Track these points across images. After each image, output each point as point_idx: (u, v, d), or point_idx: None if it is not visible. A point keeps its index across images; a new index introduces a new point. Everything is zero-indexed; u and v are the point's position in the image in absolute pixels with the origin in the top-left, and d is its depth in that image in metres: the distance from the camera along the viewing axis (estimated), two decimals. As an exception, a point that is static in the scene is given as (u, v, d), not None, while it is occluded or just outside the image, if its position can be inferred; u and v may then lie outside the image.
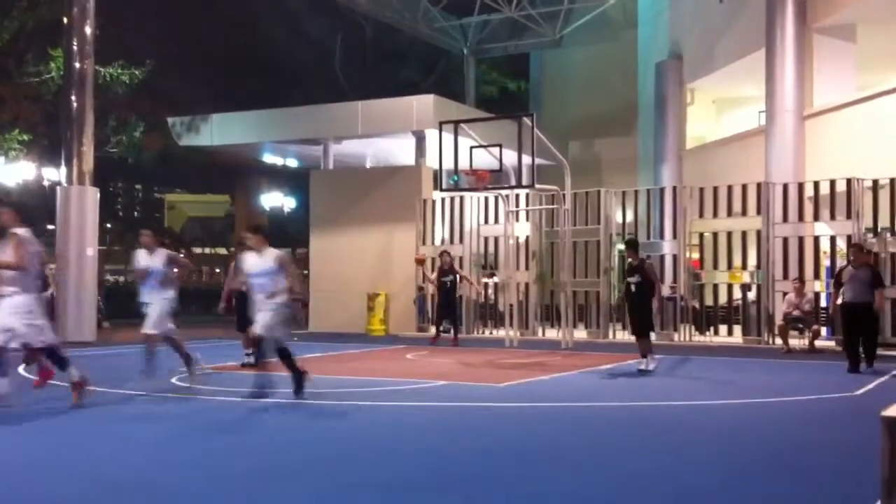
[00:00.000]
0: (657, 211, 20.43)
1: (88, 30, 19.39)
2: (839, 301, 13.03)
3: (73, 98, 19.27)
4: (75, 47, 19.29)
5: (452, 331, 18.18)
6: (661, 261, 19.67)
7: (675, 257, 19.59)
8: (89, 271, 18.96)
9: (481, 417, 8.93)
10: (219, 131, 25.40)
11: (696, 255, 20.08)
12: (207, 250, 52.50)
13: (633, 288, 12.58)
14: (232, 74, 31.42)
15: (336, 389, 10.68)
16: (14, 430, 8.14)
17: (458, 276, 18.26)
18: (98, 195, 19.49)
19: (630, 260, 12.89)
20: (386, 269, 22.12)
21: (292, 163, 29.15)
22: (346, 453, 6.97)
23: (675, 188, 20.61)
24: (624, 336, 19.90)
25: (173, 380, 11.59)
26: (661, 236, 19.90)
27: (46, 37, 22.65)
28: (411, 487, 5.79)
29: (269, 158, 28.69)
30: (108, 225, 20.26)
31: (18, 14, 23.14)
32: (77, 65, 19.33)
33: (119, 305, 24.56)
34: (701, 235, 19.84)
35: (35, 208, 25.40)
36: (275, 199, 34.11)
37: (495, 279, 20.99)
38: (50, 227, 22.29)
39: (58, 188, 19.49)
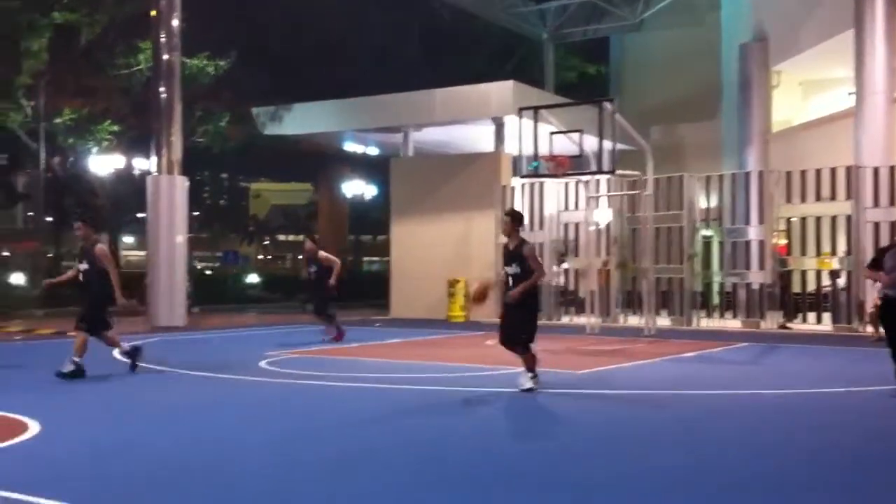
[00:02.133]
0: (742, 196, 20.05)
1: (175, 22, 19.87)
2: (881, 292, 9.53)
3: (162, 90, 19.79)
4: (163, 40, 19.80)
5: (331, 325, 15.25)
6: (746, 247, 19.34)
7: (761, 243, 19.21)
8: (179, 258, 19.50)
9: (563, 405, 8.94)
10: (301, 120, 25.83)
11: (782, 241, 19.66)
12: (291, 237, 53.57)
13: (510, 281, 9.08)
14: (312, 64, 31.83)
15: (420, 375, 10.81)
16: (106, 413, 8.48)
17: (322, 265, 14.96)
18: (187, 184, 19.98)
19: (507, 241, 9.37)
20: (466, 256, 22.21)
21: (373, 151, 29.44)
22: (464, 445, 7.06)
23: (760, 173, 20.20)
24: (709, 323, 19.63)
25: (262, 363, 11.88)
26: (747, 222, 19.53)
27: (135, 30, 23.26)
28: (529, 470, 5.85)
29: (350, 146, 29.02)
30: (197, 213, 20.83)
31: (108, 8, 23.81)
32: (165, 57, 19.84)
33: (207, 292, 25.22)
34: (788, 221, 19.41)
35: (127, 197, 26.21)
36: (356, 187, 34.49)
37: (565, 265, 20.89)
38: (141, 215, 22.96)
39: (148, 177, 20.06)
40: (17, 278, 25.07)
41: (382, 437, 7.09)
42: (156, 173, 19.81)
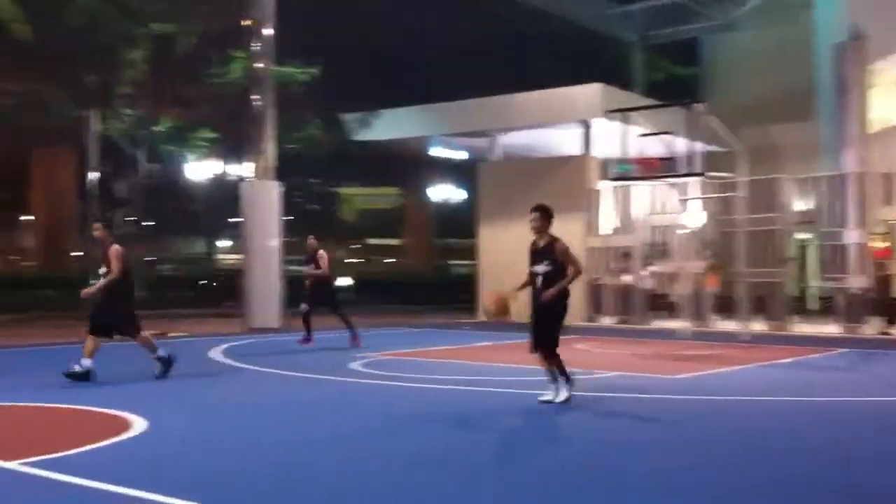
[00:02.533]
0: (839, 198, 19.49)
1: (268, 32, 20.37)
2: None
3: (255, 97, 20.31)
4: (256, 49, 20.32)
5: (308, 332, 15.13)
6: (843, 250, 18.80)
7: (859, 247, 18.65)
8: (273, 262, 19.95)
9: (663, 410, 8.86)
10: (389, 126, 26.15)
11: (881, 245, 19.05)
12: (379, 241, 54.31)
13: (539, 281, 8.52)
14: (400, 69, 32.21)
15: (509, 378, 10.85)
16: (206, 410, 8.77)
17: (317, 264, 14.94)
18: (280, 189, 20.44)
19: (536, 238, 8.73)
20: (554, 260, 22.12)
21: (460, 155, 29.60)
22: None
23: (858, 174, 19.61)
24: (806, 329, 19.15)
25: (354, 365, 12.09)
26: (844, 225, 18.98)
27: (229, 40, 23.94)
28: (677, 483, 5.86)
29: (437, 151, 29.25)
30: (290, 218, 21.37)
31: (202, 19, 24.56)
32: (258, 65, 20.35)
33: (299, 294, 25.65)
34: (887, 224, 18.80)
35: (222, 202, 26.96)
36: (442, 191, 34.74)
37: (654, 269, 20.64)
38: (236, 219, 23.59)
39: (242, 183, 20.59)
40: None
41: (476, 436, 7.16)
42: (250, 179, 20.31)
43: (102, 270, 10.44)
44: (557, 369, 8.66)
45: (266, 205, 19.99)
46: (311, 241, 15.14)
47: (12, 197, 42.49)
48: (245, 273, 20.05)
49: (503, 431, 7.50)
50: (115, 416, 7.80)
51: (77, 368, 10.12)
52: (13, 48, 21.82)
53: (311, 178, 41.45)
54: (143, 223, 29.52)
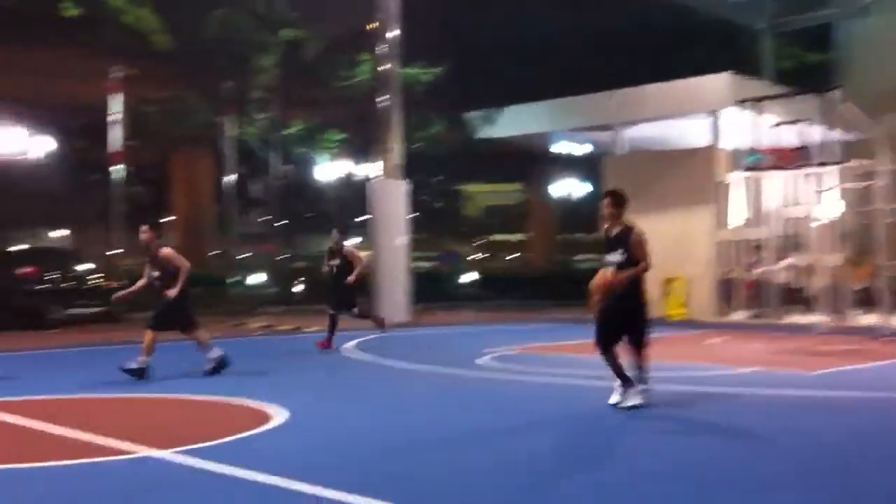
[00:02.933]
0: None
1: (393, 34, 20.76)
2: None
3: (382, 99, 20.74)
4: (382, 51, 20.74)
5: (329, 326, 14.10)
6: None
7: None
8: (401, 259, 20.34)
9: (805, 406, 8.63)
10: (511, 122, 26.18)
11: None
12: (502, 237, 54.56)
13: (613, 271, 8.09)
14: (524, 64, 32.20)
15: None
16: (341, 402, 9.06)
17: (346, 259, 14.00)
18: (407, 188, 20.79)
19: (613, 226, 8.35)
20: (683, 253, 21.70)
21: (584, 149, 29.37)
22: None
23: None
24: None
25: (483, 359, 12.22)
26: None
27: (356, 43, 24.51)
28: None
29: (560, 146, 29.11)
30: (416, 215, 21.88)
31: (331, 22, 25.23)
32: (384, 67, 20.77)
33: (426, 290, 26.13)
34: None
35: (351, 201, 27.64)
36: (565, 187, 34.56)
37: (789, 261, 19.95)
38: (364, 218, 24.14)
39: (370, 182, 21.06)
40: (258, 278, 27.00)
41: (606, 432, 7.16)
42: (377, 178, 20.75)
43: (156, 274, 10.56)
44: (638, 365, 8.01)
45: (393, 203, 20.38)
46: (335, 236, 14.07)
47: (155, 199, 44.73)
48: (374, 270, 20.52)
49: (640, 427, 7.46)
50: (257, 408, 8.16)
51: (134, 365, 10.38)
52: (154, 58, 23.00)
53: (435, 176, 42.03)
54: (277, 223, 30.55)
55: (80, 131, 38.45)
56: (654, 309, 8.33)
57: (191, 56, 23.10)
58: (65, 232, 54.46)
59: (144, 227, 10.68)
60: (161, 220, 12.19)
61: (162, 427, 7.58)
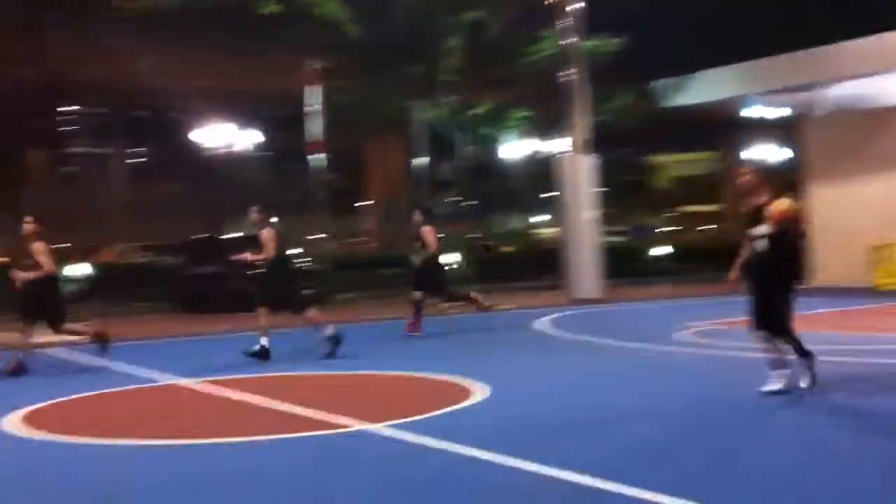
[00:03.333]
0: None
1: (576, 6, 20.54)
2: None
3: (567, 73, 20.60)
4: (566, 25, 20.58)
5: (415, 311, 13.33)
6: None
7: None
8: (591, 234, 20.21)
9: None
10: (701, 89, 25.25)
11: None
12: (695, 208, 53.00)
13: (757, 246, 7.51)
14: (712, 28, 31.06)
15: (858, 347, 10.26)
16: (539, 378, 9.17)
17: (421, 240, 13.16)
18: (595, 162, 20.60)
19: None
20: (893, 218, 20.35)
21: (780, 112, 27.99)
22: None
23: None
24: None
25: (682, 334, 12.00)
26: None
27: (539, 18, 24.40)
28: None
29: (753, 111, 27.87)
30: (605, 189, 21.63)
31: (513, 1, 25.26)
32: (568, 41, 20.61)
33: (618, 265, 25.87)
34: None
35: (538, 178, 27.71)
36: (760, 153, 33.08)
37: None
38: (551, 194, 24.14)
39: (557, 158, 21.02)
40: (451, 257, 27.60)
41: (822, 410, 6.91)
42: (565, 153, 20.68)
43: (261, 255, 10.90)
44: (782, 351, 7.37)
45: (581, 178, 20.25)
46: (417, 216, 13.40)
47: (351, 184, 46.65)
48: (564, 246, 20.51)
49: (864, 406, 7.14)
50: (459, 384, 8.42)
51: (257, 348, 10.75)
52: (347, 49, 23.90)
53: (624, 149, 41.39)
54: (466, 203, 31.10)
55: (283, 123, 40.65)
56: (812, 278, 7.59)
57: (380, 44, 23.85)
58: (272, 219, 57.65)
59: (254, 209, 11.15)
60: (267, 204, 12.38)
61: (373, 402, 7.97)
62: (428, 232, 12.95)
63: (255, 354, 10.69)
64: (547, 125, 26.24)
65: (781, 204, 7.23)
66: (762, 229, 7.24)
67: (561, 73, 20.74)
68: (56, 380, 9.96)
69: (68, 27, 22.19)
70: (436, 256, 13.03)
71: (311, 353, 11.01)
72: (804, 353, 7.35)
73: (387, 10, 23.37)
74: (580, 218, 20.15)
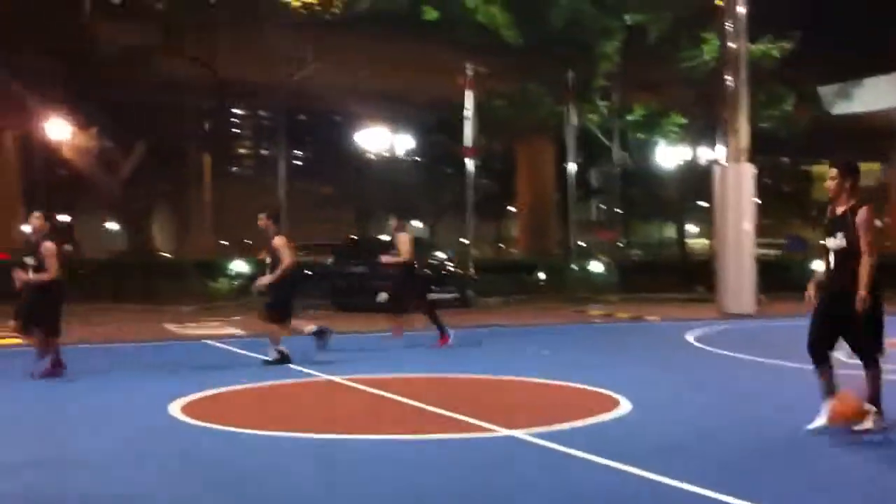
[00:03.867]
0: None
1: (741, 10, 19.88)
2: None
3: (728, 78, 19.95)
4: (729, 28, 19.95)
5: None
6: None
7: None
8: (746, 246, 19.50)
9: None
10: (870, 96, 24.07)
11: None
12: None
13: (832, 261, 6.70)
14: (884, 32, 29.43)
15: None
16: (691, 395, 8.91)
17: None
18: (754, 171, 19.86)
19: None
20: None
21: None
22: None
23: None
24: None
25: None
26: None
27: (700, 22, 23.81)
28: None
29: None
30: (760, 200, 20.85)
31: (674, 4, 24.74)
32: (731, 45, 19.97)
33: (772, 278, 24.89)
34: None
35: (691, 186, 27.01)
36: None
37: None
38: (704, 204, 23.50)
39: (714, 166, 20.40)
40: (596, 266, 27.33)
41: None
42: (722, 162, 20.05)
43: (269, 261, 10.69)
44: (870, 391, 6.48)
45: (739, 188, 19.56)
46: (393, 222, 13.33)
47: (500, 189, 46.81)
48: (717, 258, 19.88)
49: None
50: (602, 394, 8.30)
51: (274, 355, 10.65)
52: (503, 53, 24.02)
53: (783, 157, 39.75)
54: (615, 210, 30.68)
55: (436, 126, 41.31)
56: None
57: (536, 48, 23.85)
58: (419, 223, 58.74)
59: (262, 215, 10.90)
60: (274, 209, 12.30)
61: (515, 408, 7.97)
62: (403, 239, 12.59)
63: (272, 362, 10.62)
64: (703, 132, 25.53)
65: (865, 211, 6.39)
66: (834, 241, 6.46)
67: (722, 78, 20.12)
68: (215, 371, 10.45)
69: (238, 31, 23.28)
70: (411, 264, 12.54)
71: (453, 356, 11.13)
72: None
73: (544, 15, 23.34)
74: (736, 229, 19.48)
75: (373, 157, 34.96)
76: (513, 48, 22.03)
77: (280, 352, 10.64)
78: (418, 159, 49.85)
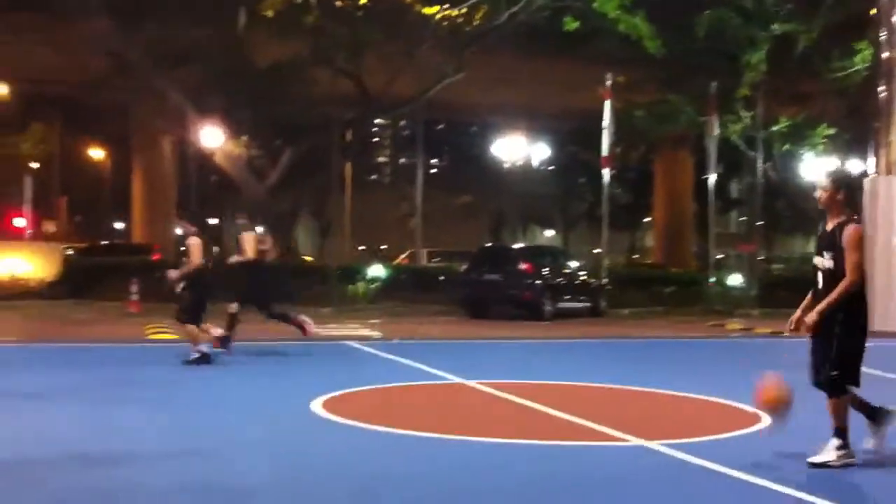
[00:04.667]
0: None
1: (896, 18, 19.03)
2: None
3: (881, 88, 19.12)
4: (883, 37, 19.12)
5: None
6: None
7: None
8: (896, 261, 18.64)
9: None
10: None
11: None
12: None
13: (820, 280, 6.23)
14: None
15: None
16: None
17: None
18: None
19: None
20: None
21: None
22: None
23: None
24: None
25: None
26: None
27: (852, 31, 22.93)
28: None
29: None
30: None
31: (825, 13, 23.90)
32: (885, 55, 19.13)
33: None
34: None
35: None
36: None
37: None
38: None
39: (865, 179, 19.60)
40: (735, 279, 26.60)
41: None
42: (874, 174, 19.24)
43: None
44: (834, 421, 6.07)
45: (890, 201, 18.71)
46: (239, 220, 12.55)
47: (635, 199, 46.23)
48: (869, 273, 19.02)
49: None
50: (736, 409, 8.13)
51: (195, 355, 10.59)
52: (642, 63, 23.75)
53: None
54: (756, 223, 29.78)
55: (571, 137, 41.17)
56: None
57: (678, 58, 23.49)
58: (551, 232, 58.59)
59: (178, 216, 11.11)
60: (187, 209, 12.02)
61: (648, 419, 7.92)
62: (247, 238, 11.81)
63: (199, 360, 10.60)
64: (852, 143, 24.53)
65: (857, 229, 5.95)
66: (823, 261, 6.02)
67: (875, 89, 19.29)
68: (354, 370, 10.80)
69: (384, 44, 23.87)
70: (254, 265, 11.74)
71: (585, 365, 11.10)
72: (840, 433, 6.08)
73: (688, 25, 22.95)
74: (886, 244, 18.62)
75: (508, 166, 35.14)
76: (653, 58, 21.74)
77: (201, 351, 10.58)
78: (552, 168, 49.78)
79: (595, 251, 28.29)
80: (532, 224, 58.17)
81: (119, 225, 49.85)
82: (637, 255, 54.95)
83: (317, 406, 7.95)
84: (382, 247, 55.34)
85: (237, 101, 24.23)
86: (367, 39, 23.80)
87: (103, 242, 37.53)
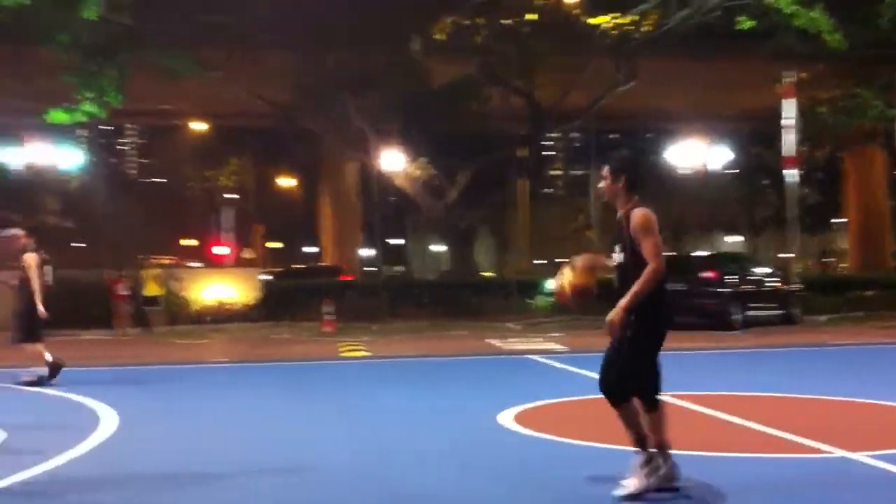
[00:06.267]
0: None
1: None
2: None
3: None
4: None
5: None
6: None
7: None
8: None
9: None
10: None
11: None
12: None
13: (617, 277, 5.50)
14: None
15: None
16: None
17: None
18: None
19: None
20: None
21: None
22: None
23: None
24: None
25: None
26: None
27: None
28: None
29: None
30: None
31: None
32: None
33: None
34: None
35: None
36: None
37: None
38: None
39: None
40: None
41: None
42: None
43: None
44: (634, 439, 5.43)
45: None
46: (17, 234, 11.18)
47: (824, 200, 43.89)
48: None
49: None
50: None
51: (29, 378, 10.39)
52: (824, 58, 22.64)
53: None
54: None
55: (753, 139, 39.64)
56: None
57: (862, 50, 22.26)
58: (738, 237, 56.56)
59: (14, 231, 10.87)
60: (31, 225, 11.39)
61: (851, 429, 7.62)
62: (29, 260, 10.41)
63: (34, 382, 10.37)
64: None
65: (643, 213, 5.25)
66: (617, 255, 5.40)
67: None
68: (538, 383, 10.95)
69: (554, 57, 23.99)
70: (32, 294, 10.36)
71: (781, 375, 10.75)
72: (646, 449, 5.41)
73: (871, 15, 21.69)
74: None
75: (686, 171, 34.23)
76: (833, 52, 20.65)
77: (39, 374, 10.41)
78: (734, 171, 48.15)
79: (785, 255, 27.07)
80: (716, 230, 56.50)
81: (311, 249, 52.40)
82: (833, 259, 52.33)
83: (505, 419, 8.12)
84: (560, 260, 55.20)
85: (415, 122, 24.98)
86: (536, 55, 23.98)
87: (296, 266, 39.49)
